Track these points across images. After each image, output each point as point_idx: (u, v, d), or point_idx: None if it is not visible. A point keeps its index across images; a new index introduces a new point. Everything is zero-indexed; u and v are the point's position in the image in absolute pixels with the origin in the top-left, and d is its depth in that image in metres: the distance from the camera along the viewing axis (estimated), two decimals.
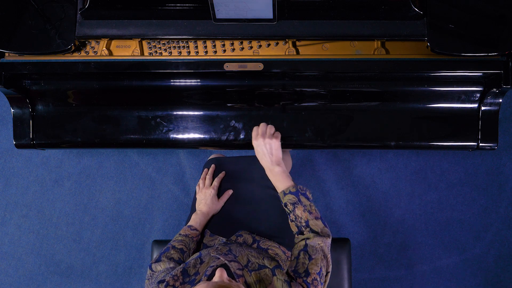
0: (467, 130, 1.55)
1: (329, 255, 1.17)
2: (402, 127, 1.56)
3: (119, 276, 2.31)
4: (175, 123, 1.58)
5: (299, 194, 1.24)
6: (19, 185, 2.33)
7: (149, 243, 2.30)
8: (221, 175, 1.49)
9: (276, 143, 1.31)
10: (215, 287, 0.93)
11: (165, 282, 1.09)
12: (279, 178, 1.28)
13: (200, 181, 1.51)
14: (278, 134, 1.34)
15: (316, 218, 1.21)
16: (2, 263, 2.32)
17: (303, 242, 1.17)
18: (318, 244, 1.16)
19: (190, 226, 1.38)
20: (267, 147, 1.31)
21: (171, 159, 2.30)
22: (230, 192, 1.47)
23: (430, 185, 2.27)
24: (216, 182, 1.47)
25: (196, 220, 1.39)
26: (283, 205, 1.25)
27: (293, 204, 1.22)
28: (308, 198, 1.24)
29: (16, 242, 2.32)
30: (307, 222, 1.20)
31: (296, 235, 1.22)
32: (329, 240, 1.19)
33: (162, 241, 1.65)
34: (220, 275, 0.98)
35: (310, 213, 1.21)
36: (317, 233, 1.19)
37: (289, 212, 1.23)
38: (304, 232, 1.20)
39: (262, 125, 1.36)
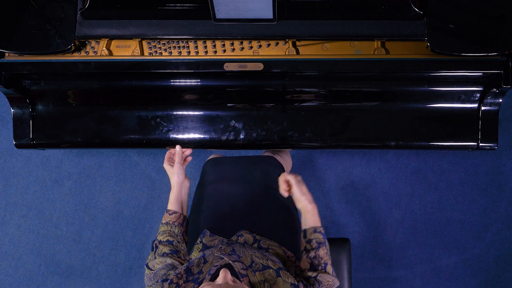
0: (467, 130, 1.55)
1: None
2: (402, 127, 1.56)
3: (119, 276, 2.31)
4: (175, 123, 1.58)
5: (325, 236, 1.26)
6: (19, 185, 2.33)
7: (149, 243, 2.30)
8: (178, 149, 1.45)
9: (305, 185, 1.34)
10: None
11: (169, 280, 1.09)
12: (315, 214, 1.29)
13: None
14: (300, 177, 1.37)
15: (331, 265, 1.24)
16: (2, 263, 2.32)
17: (311, 280, 1.19)
18: (328, 282, 1.18)
19: (168, 211, 1.37)
20: (304, 189, 1.33)
21: None
22: (178, 147, 1.43)
23: (430, 185, 2.27)
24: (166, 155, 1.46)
25: (170, 201, 1.39)
26: (305, 240, 1.26)
27: (319, 243, 1.24)
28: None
29: (16, 242, 2.32)
30: (326, 264, 1.22)
31: (305, 271, 1.23)
32: (337, 284, 1.21)
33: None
34: (224, 276, 0.98)
35: (329, 258, 1.24)
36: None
37: (310, 249, 1.24)
38: (317, 271, 1.21)
39: (292, 174, 1.37)
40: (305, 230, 1.27)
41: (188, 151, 1.49)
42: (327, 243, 1.25)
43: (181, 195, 1.40)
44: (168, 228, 1.33)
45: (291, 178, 1.32)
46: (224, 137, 1.57)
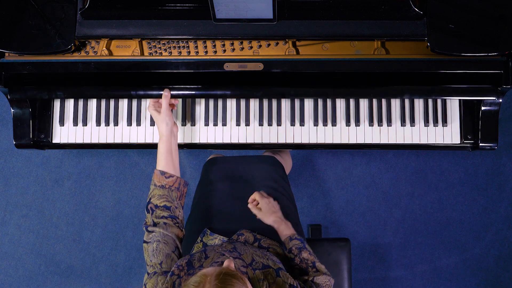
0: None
1: None
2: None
3: (119, 276, 2.31)
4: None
5: (303, 241, 1.29)
6: (19, 185, 2.33)
7: None
8: (166, 92, 1.42)
9: (273, 205, 1.39)
10: (223, 272, 0.95)
11: (170, 272, 1.10)
12: (288, 227, 1.34)
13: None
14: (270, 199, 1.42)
15: (319, 262, 1.25)
16: (2, 263, 2.32)
17: (309, 283, 1.20)
18: (325, 282, 1.20)
19: (164, 173, 1.29)
20: (276, 205, 1.39)
21: None
22: (166, 90, 1.41)
23: (430, 185, 2.27)
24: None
25: (160, 152, 1.32)
26: (286, 251, 1.28)
27: (299, 248, 1.26)
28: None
29: (16, 242, 2.32)
30: (314, 263, 1.24)
31: (300, 276, 1.24)
32: (333, 281, 1.23)
33: None
34: (228, 265, 1.00)
35: (315, 257, 1.26)
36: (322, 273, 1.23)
37: (293, 256, 1.26)
38: (310, 273, 1.23)
39: (261, 194, 1.42)
40: (283, 243, 1.30)
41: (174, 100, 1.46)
42: (307, 246, 1.27)
43: (171, 144, 1.35)
44: (165, 192, 1.27)
45: (259, 199, 1.38)
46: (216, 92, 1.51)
